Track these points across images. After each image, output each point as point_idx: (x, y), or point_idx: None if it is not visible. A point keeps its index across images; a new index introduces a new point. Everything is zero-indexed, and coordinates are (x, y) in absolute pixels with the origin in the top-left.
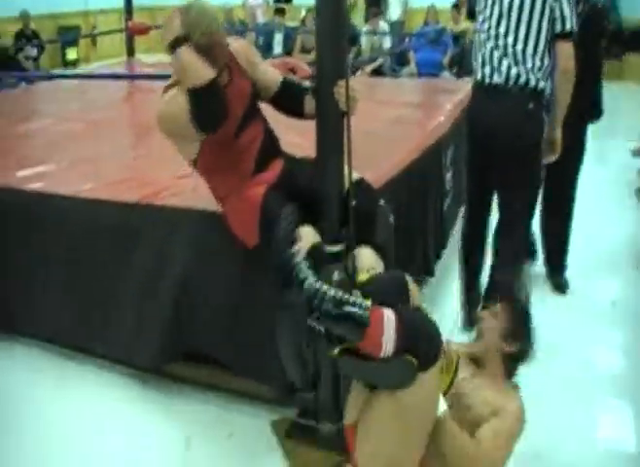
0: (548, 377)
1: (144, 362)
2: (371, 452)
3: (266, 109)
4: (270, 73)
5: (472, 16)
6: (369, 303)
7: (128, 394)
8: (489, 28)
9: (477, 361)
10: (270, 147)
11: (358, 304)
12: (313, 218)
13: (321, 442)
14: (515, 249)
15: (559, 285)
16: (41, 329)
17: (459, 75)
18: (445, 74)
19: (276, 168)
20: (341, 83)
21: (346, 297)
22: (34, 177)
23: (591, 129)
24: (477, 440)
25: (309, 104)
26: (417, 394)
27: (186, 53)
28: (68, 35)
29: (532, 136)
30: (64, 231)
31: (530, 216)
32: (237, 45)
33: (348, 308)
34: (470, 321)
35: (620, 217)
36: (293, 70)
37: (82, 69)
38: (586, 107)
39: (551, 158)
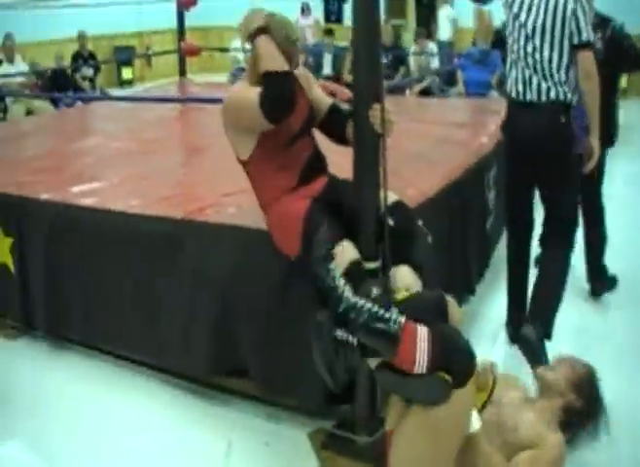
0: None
1: (193, 373)
2: (404, 464)
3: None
4: (322, 97)
5: None
6: (403, 319)
7: (174, 401)
8: (519, 49)
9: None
10: (316, 163)
11: (392, 319)
12: (353, 236)
13: (357, 453)
14: (559, 263)
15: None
16: (91, 338)
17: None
18: (493, 94)
19: (321, 184)
20: (377, 106)
21: (381, 312)
22: (87, 193)
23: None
24: (513, 464)
25: (351, 129)
26: (449, 410)
27: (266, 41)
28: (123, 55)
29: (566, 147)
30: (114, 244)
31: (575, 224)
32: (302, 73)
33: (382, 324)
34: (513, 337)
35: None
36: (333, 94)
37: (136, 88)
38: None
39: (591, 165)
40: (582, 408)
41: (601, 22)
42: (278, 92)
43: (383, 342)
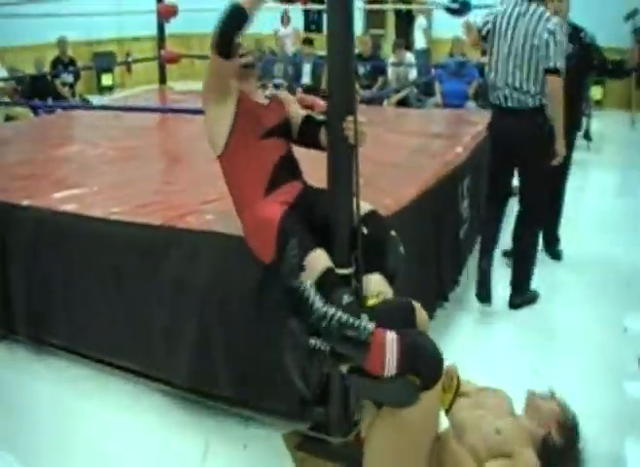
0: None
1: (174, 381)
2: (378, 464)
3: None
4: (297, 113)
5: None
6: (372, 326)
7: (149, 405)
8: (499, 67)
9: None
10: (288, 167)
11: (362, 327)
12: (327, 244)
13: (331, 453)
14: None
15: (555, 254)
16: (74, 343)
17: (484, 106)
18: (470, 105)
19: (295, 189)
20: (350, 118)
21: (351, 320)
22: (68, 199)
23: (620, 161)
24: None
25: (324, 135)
26: (418, 411)
27: None
28: (103, 61)
29: (544, 141)
30: (95, 250)
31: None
32: (284, 94)
33: (352, 332)
34: (481, 294)
35: None
36: (311, 107)
37: (116, 95)
38: (575, 123)
39: (558, 160)
40: (561, 448)
41: (574, 32)
42: (225, 22)
43: (354, 349)
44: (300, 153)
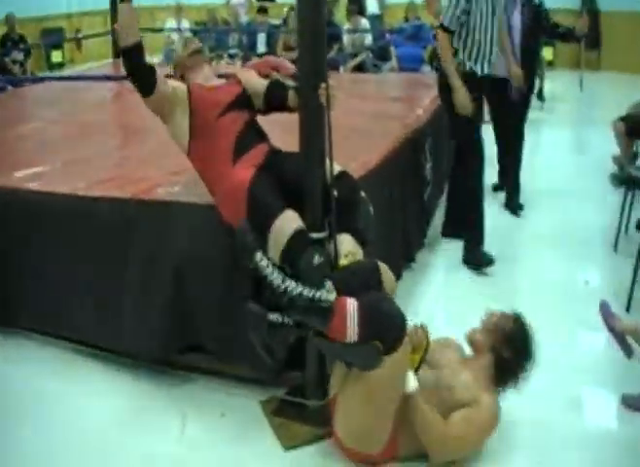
0: None
1: (147, 355)
2: (347, 423)
3: None
4: (258, 82)
5: None
6: (333, 296)
7: (127, 379)
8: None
9: (473, 347)
10: (252, 134)
11: (323, 299)
12: (298, 207)
13: (308, 417)
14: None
15: (515, 208)
16: (44, 324)
17: (438, 69)
18: (425, 68)
19: (262, 151)
20: (323, 85)
21: (312, 293)
22: (30, 177)
23: (572, 120)
24: (447, 422)
25: (292, 98)
26: (383, 373)
27: (126, 7)
28: (52, 38)
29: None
30: (62, 227)
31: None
32: (243, 72)
33: (313, 303)
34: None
35: (597, 202)
36: (276, 69)
37: (67, 72)
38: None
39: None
40: (512, 359)
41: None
42: (132, 69)
43: (316, 320)
44: (268, 120)
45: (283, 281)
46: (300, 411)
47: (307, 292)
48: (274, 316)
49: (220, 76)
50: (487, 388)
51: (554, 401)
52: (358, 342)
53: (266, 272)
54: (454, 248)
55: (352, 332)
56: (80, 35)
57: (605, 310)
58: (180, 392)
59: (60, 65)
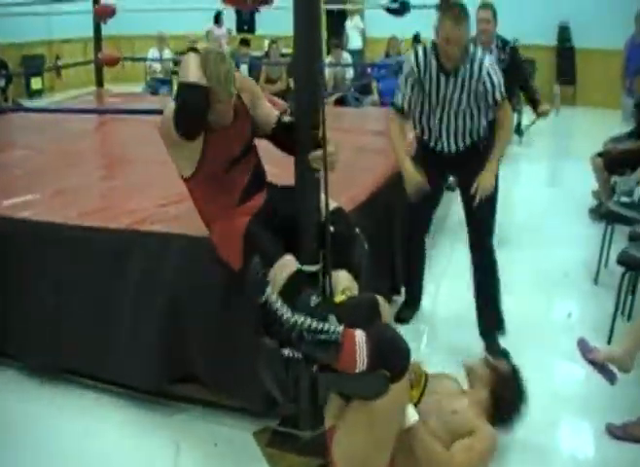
0: None
1: (140, 385)
2: (347, 454)
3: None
4: (269, 110)
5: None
6: (341, 328)
7: (119, 410)
8: None
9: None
10: (257, 182)
11: (332, 330)
12: (294, 244)
13: (301, 448)
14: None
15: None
16: (33, 354)
17: None
18: None
19: (260, 199)
20: (313, 155)
21: (320, 325)
22: (20, 206)
23: (550, 154)
24: (451, 453)
25: None
26: (385, 403)
27: (193, 57)
28: (32, 65)
29: None
30: (53, 257)
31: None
32: (244, 81)
33: (322, 336)
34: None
35: (576, 236)
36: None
37: (47, 99)
38: None
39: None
40: (508, 397)
41: (502, 44)
42: (188, 105)
43: (326, 352)
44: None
45: (292, 315)
46: (293, 441)
47: (316, 324)
48: (286, 351)
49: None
50: (483, 419)
51: (536, 429)
52: (365, 372)
53: (277, 306)
54: (438, 280)
55: (361, 362)
56: (60, 62)
57: (583, 346)
58: (173, 422)
59: (40, 92)
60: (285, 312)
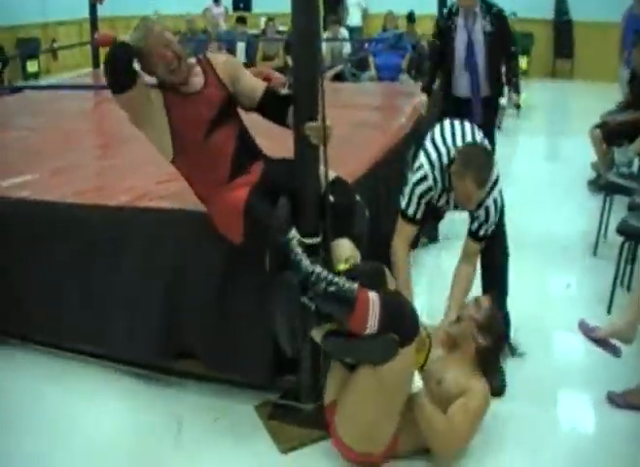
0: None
1: (141, 359)
2: (353, 425)
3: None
4: (254, 83)
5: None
6: (356, 285)
7: (119, 386)
8: None
9: (452, 342)
10: (246, 151)
11: (347, 286)
12: (294, 216)
13: (303, 420)
14: None
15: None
16: (34, 332)
17: (417, 78)
18: (404, 77)
19: (256, 170)
20: (309, 125)
21: (336, 279)
22: (19, 186)
23: (548, 127)
24: (448, 416)
25: (292, 116)
26: (395, 368)
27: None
28: (28, 48)
29: None
30: (53, 236)
31: None
32: (223, 59)
33: (337, 289)
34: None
35: (575, 208)
36: (267, 78)
37: (43, 82)
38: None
39: None
40: (492, 344)
41: (496, 11)
42: (107, 58)
43: (339, 307)
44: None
45: (312, 263)
46: (294, 414)
47: (332, 277)
48: (305, 299)
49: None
50: (474, 375)
51: (537, 400)
52: (375, 335)
53: (297, 251)
54: (435, 253)
55: (373, 323)
56: (55, 45)
57: (584, 328)
58: (175, 398)
59: (36, 75)
60: (304, 259)
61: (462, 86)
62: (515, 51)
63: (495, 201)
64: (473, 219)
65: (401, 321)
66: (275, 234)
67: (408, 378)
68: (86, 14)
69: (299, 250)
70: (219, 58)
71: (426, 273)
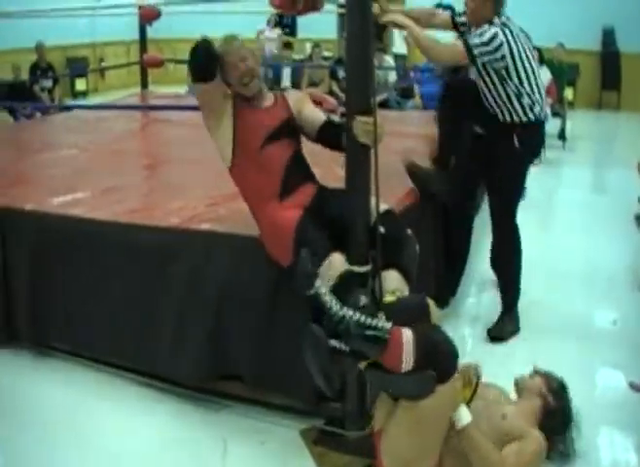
0: None
1: (186, 380)
2: (393, 456)
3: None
4: (315, 115)
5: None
6: (389, 325)
7: (166, 407)
8: (538, 82)
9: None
10: (300, 169)
11: (379, 326)
12: (343, 245)
13: (348, 447)
14: None
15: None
16: (84, 348)
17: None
18: None
19: (309, 192)
20: (362, 118)
21: (369, 320)
22: (70, 204)
23: (594, 159)
24: (502, 455)
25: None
26: (434, 404)
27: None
28: (77, 67)
29: None
30: (102, 254)
31: None
32: (296, 94)
33: (370, 331)
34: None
35: (620, 242)
36: (319, 102)
37: (91, 100)
38: None
39: None
40: (559, 410)
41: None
42: (193, 51)
43: (372, 348)
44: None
45: (341, 308)
46: (340, 441)
47: (364, 319)
48: (333, 342)
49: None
50: (534, 426)
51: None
52: (411, 372)
53: (326, 299)
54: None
55: (408, 361)
56: (103, 64)
57: (636, 387)
58: (220, 419)
59: (84, 94)
60: (334, 305)
61: None
62: None
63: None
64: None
65: (437, 358)
66: (302, 287)
67: (445, 414)
68: (132, 35)
69: (328, 297)
70: (292, 93)
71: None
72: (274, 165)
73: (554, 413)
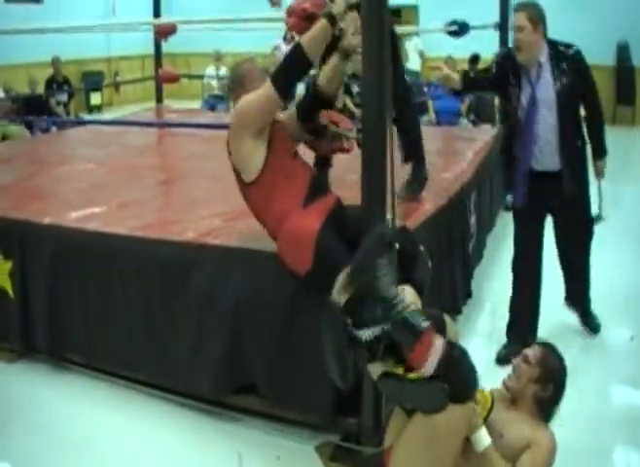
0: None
1: (201, 393)
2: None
3: None
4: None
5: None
6: (428, 323)
7: (182, 421)
8: None
9: (511, 397)
10: (322, 181)
11: (420, 321)
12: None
13: (363, 464)
14: None
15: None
16: (100, 361)
17: (475, 123)
18: (463, 121)
19: (330, 201)
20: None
21: (415, 313)
22: (86, 218)
23: (608, 175)
24: None
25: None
26: (449, 423)
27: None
28: (92, 80)
29: None
30: (119, 267)
31: None
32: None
33: (412, 320)
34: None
35: (635, 258)
36: (335, 122)
37: (106, 114)
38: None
39: None
40: (552, 395)
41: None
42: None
43: (407, 338)
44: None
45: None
46: (355, 457)
47: (413, 309)
48: (362, 332)
49: None
50: (538, 426)
51: (588, 454)
52: (428, 380)
53: (382, 285)
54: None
55: (431, 363)
56: (118, 78)
57: None
58: (236, 433)
59: (99, 107)
60: (392, 290)
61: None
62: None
63: None
64: None
65: (457, 375)
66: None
67: (460, 436)
68: (146, 49)
69: (384, 271)
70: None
71: None
72: (304, 171)
73: (547, 401)
